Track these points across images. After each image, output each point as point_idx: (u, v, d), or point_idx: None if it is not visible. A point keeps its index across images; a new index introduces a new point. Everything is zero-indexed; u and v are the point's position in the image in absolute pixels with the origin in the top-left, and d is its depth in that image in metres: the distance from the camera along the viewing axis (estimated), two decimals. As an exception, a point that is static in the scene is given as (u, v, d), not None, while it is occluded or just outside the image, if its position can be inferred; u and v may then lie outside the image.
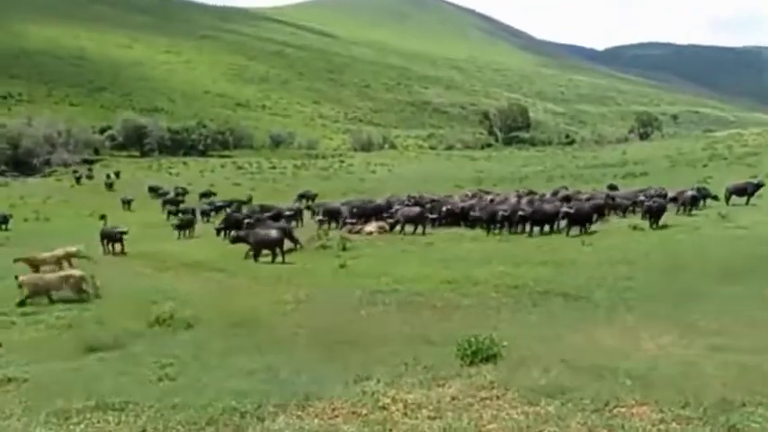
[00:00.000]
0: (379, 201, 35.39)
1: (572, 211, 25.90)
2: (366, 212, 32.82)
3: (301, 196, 46.56)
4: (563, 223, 26.57)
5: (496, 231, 27.46)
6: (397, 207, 31.53)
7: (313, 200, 45.17)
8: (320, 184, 58.62)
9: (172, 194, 48.94)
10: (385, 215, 31.46)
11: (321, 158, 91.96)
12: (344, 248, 24.20)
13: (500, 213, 27.41)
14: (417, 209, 30.28)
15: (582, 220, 26.07)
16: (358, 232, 30.08)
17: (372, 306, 14.90)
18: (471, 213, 29.38)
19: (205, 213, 38.80)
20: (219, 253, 24.37)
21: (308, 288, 17.17)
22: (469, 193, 39.57)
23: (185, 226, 32.06)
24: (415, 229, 29.48)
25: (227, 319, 13.79)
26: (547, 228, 26.98)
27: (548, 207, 27.67)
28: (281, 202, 39.11)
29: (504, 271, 18.31)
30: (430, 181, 57.36)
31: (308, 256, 23.51)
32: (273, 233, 23.40)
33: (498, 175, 62.39)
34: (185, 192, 51.20)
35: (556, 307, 14.28)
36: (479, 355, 9.45)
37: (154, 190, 53.33)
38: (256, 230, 23.90)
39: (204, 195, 49.36)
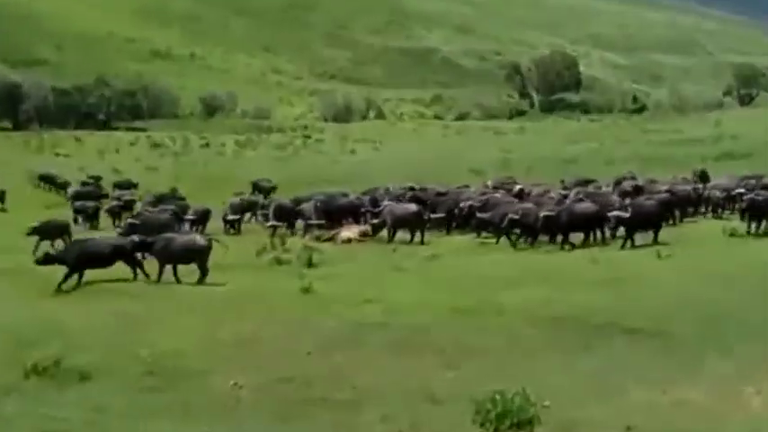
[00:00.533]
0: (354, 195, 35.43)
1: (626, 215, 25.81)
2: (339, 211, 32.79)
3: (256, 188, 46.34)
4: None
5: (518, 240, 27.64)
6: (386, 203, 31.49)
7: (268, 194, 45.02)
8: (275, 169, 58.40)
9: (78, 186, 48.50)
10: (364, 211, 31.52)
11: (276, 132, 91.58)
12: (310, 264, 24.14)
13: (509, 217, 27.31)
14: (413, 207, 30.20)
15: (645, 224, 26.12)
16: (330, 239, 30.02)
17: (352, 348, 14.85)
18: (477, 214, 29.38)
19: (113, 213, 38.50)
20: (128, 270, 24.22)
21: (257, 321, 17.07)
22: (490, 184, 39.53)
23: (52, 233, 29.81)
24: (412, 235, 29.46)
25: (139, 368, 13.72)
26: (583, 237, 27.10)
27: (580, 207, 27.41)
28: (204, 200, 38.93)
29: (544, 296, 18.32)
30: (435, 165, 57.21)
31: (257, 274, 23.39)
32: (199, 241, 23.24)
33: (535, 156, 62.14)
34: (99, 183, 50.65)
35: (619, 348, 14.29)
36: (507, 419, 9.43)
37: (48, 179, 52.98)
38: (169, 236, 23.56)
39: (120, 187, 49.01)
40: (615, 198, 29.83)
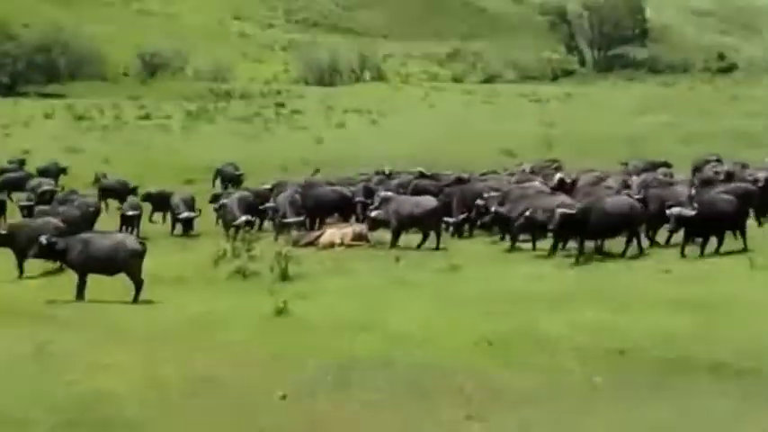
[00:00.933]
0: (340, 183, 35.62)
1: (690, 213, 25.69)
2: (323, 206, 32.90)
3: (221, 176, 46.48)
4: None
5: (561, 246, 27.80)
6: (384, 194, 31.50)
7: (232, 183, 45.20)
8: (237, 149, 58.40)
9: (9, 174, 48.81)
10: (357, 203, 31.73)
11: (239, 99, 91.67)
12: (285, 277, 24.22)
13: (525, 215, 27.31)
14: (429, 201, 30.20)
15: (717, 226, 26.16)
16: (312, 243, 30.04)
17: (340, 391, 14.87)
18: (494, 208, 29.34)
19: (23, 211, 38.67)
20: (43, 287, 24.27)
21: (214, 355, 17.10)
22: (527, 168, 39.63)
23: None
24: (424, 238, 29.46)
25: (56, 416, 13.72)
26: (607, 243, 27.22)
27: (614, 203, 27.25)
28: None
29: (599, 322, 18.33)
30: (453, 144, 57.35)
31: (215, 291, 23.46)
32: (130, 243, 23.19)
33: (586, 132, 62.44)
34: (24, 168, 50.84)
35: (700, 390, 14.31)
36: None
37: None
38: (87, 237, 23.40)
39: (46, 173, 49.14)
40: (680, 190, 29.65)
